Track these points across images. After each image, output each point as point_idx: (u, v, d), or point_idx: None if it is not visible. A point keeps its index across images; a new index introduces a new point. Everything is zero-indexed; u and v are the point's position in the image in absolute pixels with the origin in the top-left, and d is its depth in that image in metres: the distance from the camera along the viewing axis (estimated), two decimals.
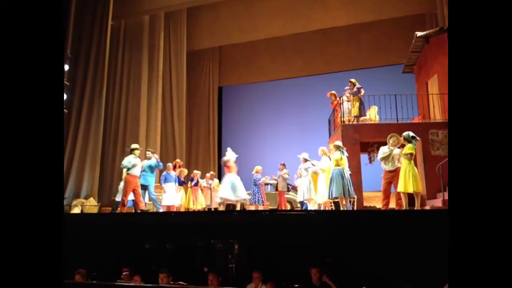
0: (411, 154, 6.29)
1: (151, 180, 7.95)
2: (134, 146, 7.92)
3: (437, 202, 7.78)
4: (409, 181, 6.13)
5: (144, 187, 7.81)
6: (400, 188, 6.27)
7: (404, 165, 6.28)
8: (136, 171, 7.52)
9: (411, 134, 6.55)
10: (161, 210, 8.08)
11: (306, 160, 8.40)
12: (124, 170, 7.54)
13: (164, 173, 9.31)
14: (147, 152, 8.21)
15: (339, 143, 7.48)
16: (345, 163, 7.18)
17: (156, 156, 8.29)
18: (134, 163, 7.49)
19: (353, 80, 9.81)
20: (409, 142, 6.47)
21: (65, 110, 11.35)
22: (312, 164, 8.31)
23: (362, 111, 9.53)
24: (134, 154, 7.62)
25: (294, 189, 10.27)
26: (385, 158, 6.70)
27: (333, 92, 10.56)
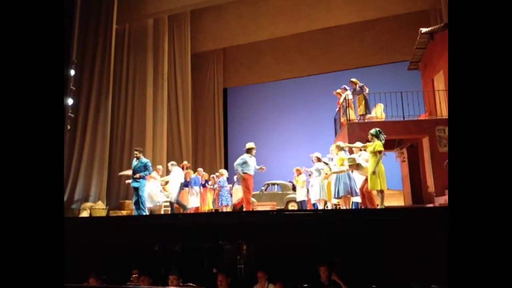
0: (379, 151, 6.16)
1: (142, 182, 7.74)
2: (250, 145, 7.68)
3: (446, 199, 7.73)
4: (378, 179, 6.05)
5: (135, 189, 7.66)
6: (371, 186, 6.18)
7: (373, 163, 6.13)
8: (251, 170, 7.52)
9: (379, 130, 6.40)
10: (144, 214, 7.81)
11: (319, 160, 8.31)
12: (240, 169, 7.46)
13: (194, 176, 9.62)
14: (135, 152, 8.01)
15: (341, 143, 7.50)
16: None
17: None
18: (250, 162, 7.47)
19: (354, 79, 9.80)
20: (377, 138, 6.30)
21: (72, 115, 11.43)
22: (325, 163, 8.18)
23: (367, 109, 9.51)
24: (250, 153, 7.56)
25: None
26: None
27: (338, 91, 10.53)
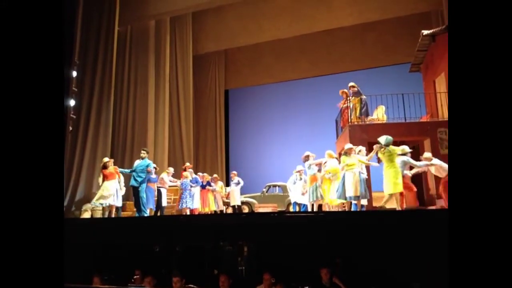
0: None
1: (142, 183, 7.80)
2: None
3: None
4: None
5: (134, 190, 7.72)
6: None
7: None
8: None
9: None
10: (145, 215, 7.83)
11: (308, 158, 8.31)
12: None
13: (195, 177, 9.69)
14: (142, 151, 8.11)
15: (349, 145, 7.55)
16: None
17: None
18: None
19: (350, 84, 9.87)
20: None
21: (74, 116, 11.46)
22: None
23: (362, 111, 9.53)
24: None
25: None
26: None
27: (345, 90, 10.46)
